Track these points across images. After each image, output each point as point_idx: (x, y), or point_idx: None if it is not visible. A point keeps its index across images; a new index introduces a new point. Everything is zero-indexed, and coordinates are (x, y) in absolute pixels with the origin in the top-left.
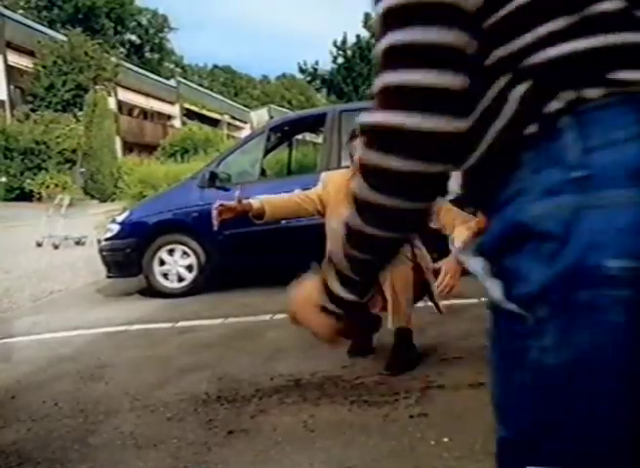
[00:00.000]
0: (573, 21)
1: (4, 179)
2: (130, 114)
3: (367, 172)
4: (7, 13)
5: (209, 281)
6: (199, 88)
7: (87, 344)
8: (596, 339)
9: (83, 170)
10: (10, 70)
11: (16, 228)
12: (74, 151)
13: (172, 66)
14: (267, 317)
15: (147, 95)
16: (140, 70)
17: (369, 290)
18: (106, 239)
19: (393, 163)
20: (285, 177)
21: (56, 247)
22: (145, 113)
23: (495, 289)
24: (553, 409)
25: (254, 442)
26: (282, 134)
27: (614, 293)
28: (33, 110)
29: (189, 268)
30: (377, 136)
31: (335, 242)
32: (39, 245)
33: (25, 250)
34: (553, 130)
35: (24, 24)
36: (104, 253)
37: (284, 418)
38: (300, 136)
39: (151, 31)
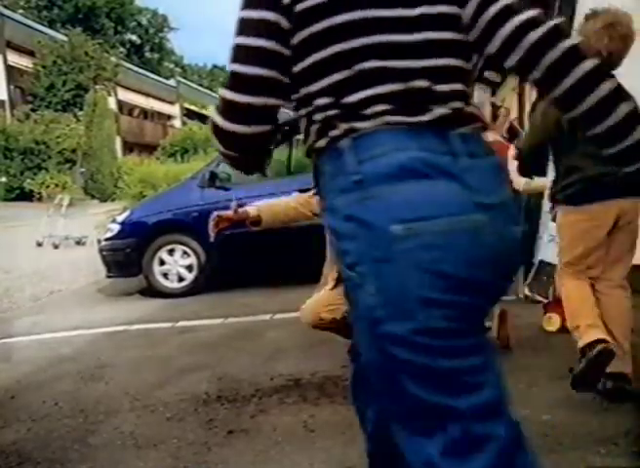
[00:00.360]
0: (350, 75)
1: (4, 179)
2: (130, 114)
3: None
4: (7, 12)
5: (209, 281)
6: (199, 88)
7: (87, 344)
8: (397, 278)
9: (83, 170)
10: (10, 70)
11: (16, 228)
12: (74, 151)
13: (172, 66)
14: (267, 317)
15: (147, 94)
16: (140, 70)
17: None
18: (106, 239)
19: (240, 99)
20: (285, 177)
21: (56, 247)
22: (145, 113)
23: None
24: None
25: (254, 442)
26: (282, 133)
27: (400, 246)
28: (33, 110)
29: (189, 268)
30: (223, 105)
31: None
32: (39, 245)
33: (26, 250)
34: (337, 149)
35: (24, 24)
36: (105, 253)
37: (284, 418)
38: (300, 136)
39: (151, 31)
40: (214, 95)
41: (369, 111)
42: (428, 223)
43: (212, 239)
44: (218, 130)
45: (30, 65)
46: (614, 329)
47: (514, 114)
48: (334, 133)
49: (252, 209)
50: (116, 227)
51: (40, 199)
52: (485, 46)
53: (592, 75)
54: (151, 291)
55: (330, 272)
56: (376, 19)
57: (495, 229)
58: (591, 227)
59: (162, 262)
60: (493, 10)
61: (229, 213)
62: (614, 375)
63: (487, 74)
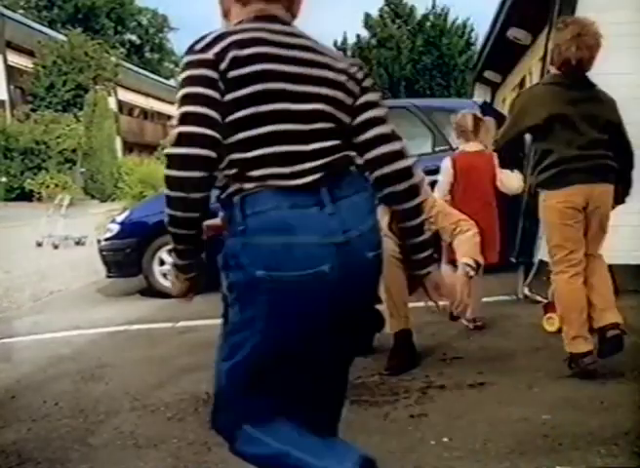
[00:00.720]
0: (246, 137)
1: (4, 179)
2: (130, 114)
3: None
4: (7, 12)
5: (209, 281)
6: None
7: (87, 344)
8: (256, 310)
9: (83, 170)
10: (10, 70)
11: (16, 228)
12: (74, 151)
13: (172, 66)
14: None
15: (147, 95)
16: (140, 70)
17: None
18: (106, 239)
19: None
20: None
21: (56, 247)
22: (146, 113)
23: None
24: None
25: None
26: None
27: (262, 286)
28: (33, 110)
29: None
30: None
31: None
32: (39, 245)
33: (25, 249)
34: (231, 203)
35: (24, 24)
36: (104, 253)
37: None
38: None
39: (151, 31)
40: None
41: (254, 174)
42: (283, 274)
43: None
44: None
45: (30, 65)
46: (601, 287)
47: None
48: (229, 190)
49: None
50: (116, 227)
51: (40, 199)
52: (354, 136)
53: (411, 190)
54: (151, 291)
55: None
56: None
57: (348, 260)
58: (567, 209)
59: (162, 262)
60: (365, 116)
61: (217, 221)
62: (608, 327)
63: (487, 74)
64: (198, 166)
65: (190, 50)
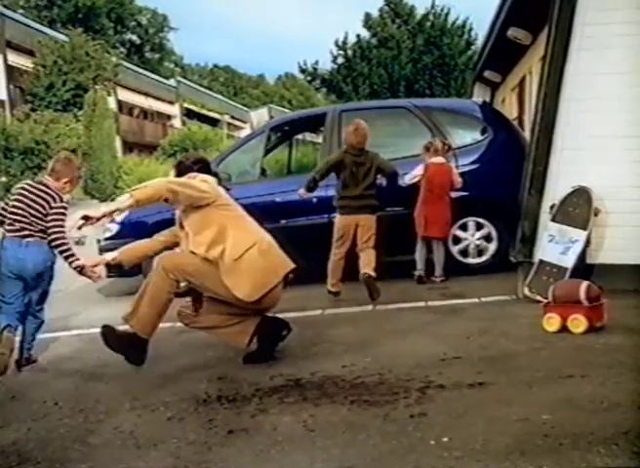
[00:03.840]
0: None
1: (4, 179)
2: (130, 114)
3: None
4: (7, 12)
5: None
6: (199, 88)
7: (87, 344)
8: None
9: (83, 169)
10: (10, 70)
11: None
12: (74, 151)
13: (172, 66)
14: None
15: (147, 94)
16: (140, 70)
17: None
18: (106, 238)
19: None
20: (285, 177)
21: None
22: (145, 113)
23: None
24: None
25: (254, 441)
26: (282, 133)
27: None
28: (33, 110)
29: None
30: None
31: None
32: None
33: None
34: None
35: (24, 24)
36: (104, 253)
37: (284, 418)
38: (300, 136)
39: (151, 31)
40: (214, 95)
41: None
42: None
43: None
44: None
45: (30, 65)
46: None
47: (514, 114)
48: None
49: (114, 254)
50: (116, 227)
51: None
52: None
53: None
54: None
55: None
56: None
57: None
58: (346, 226)
59: None
60: None
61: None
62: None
63: (486, 74)
64: None
65: None
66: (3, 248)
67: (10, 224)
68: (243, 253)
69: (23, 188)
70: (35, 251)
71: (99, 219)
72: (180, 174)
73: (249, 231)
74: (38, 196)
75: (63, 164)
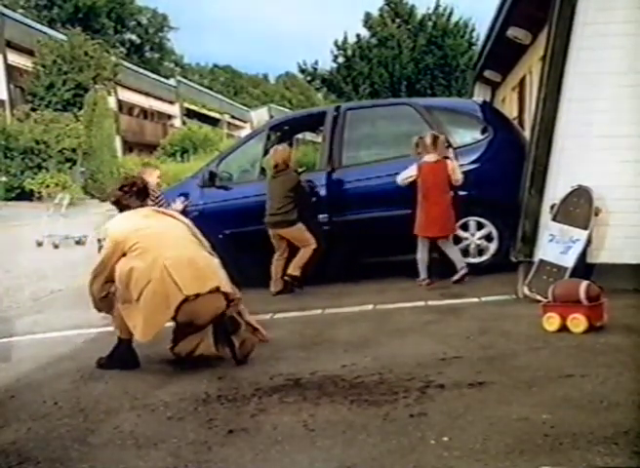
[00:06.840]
0: None
1: (4, 179)
2: (130, 113)
3: None
4: (7, 12)
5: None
6: (199, 87)
7: (87, 343)
8: None
9: (83, 169)
10: (10, 70)
11: (16, 228)
12: (74, 150)
13: (172, 66)
14: (267, 317)
15: (147, 94)
16: (140, 70)
17: None
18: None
19: None
20: None
21: (56, 246)
22: (145, 112)
23: None
24: None
25: (254, 441)
26: (282, 133)
27: None
28: (33, 109)
29: None
30: None
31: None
32: (39, 244)
33: (26, 249)
34: None
35: (24, 24)
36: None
37: (284, 417)
38: (300, 136)
39: (151, 31)
40: (214, 94)
41: None
42: None
43: None
44: None
45: (30, 65)
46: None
47: (514, 114)
48: None
49: None
50: None
51: (40, 198)
52: None
53: None
54: None
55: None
56: None
57: None
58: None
59: None
60: None
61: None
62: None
63: (487, 73)
64: None
65: None
66: None
67: None
68: (140, 292)
69: None
70: None
71: None
72: (122, 210)
73: (150, 264)
74: None
75: None
